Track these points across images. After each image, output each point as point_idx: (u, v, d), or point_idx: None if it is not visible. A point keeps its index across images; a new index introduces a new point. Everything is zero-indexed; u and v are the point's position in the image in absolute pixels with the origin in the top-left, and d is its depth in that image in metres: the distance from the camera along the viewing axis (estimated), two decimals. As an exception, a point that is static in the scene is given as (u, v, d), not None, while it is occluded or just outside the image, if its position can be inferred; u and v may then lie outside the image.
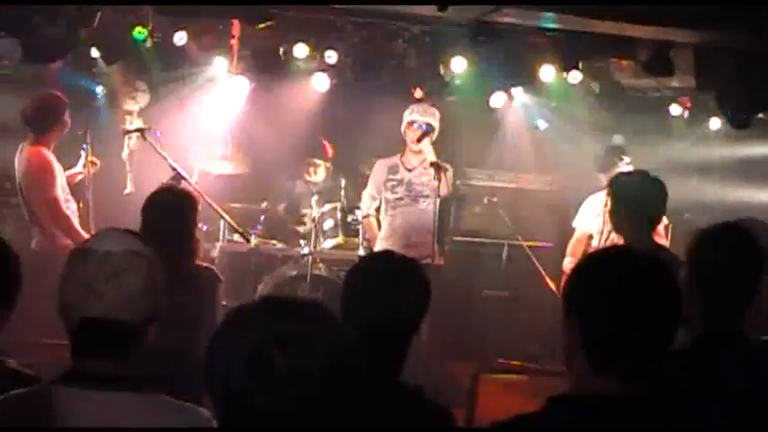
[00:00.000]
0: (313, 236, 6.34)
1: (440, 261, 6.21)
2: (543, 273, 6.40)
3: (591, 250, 5.47)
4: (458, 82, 6.73)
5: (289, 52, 6.48)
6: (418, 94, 6.77)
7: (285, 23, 6.27)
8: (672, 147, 7.58)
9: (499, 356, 6.88)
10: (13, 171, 5.68)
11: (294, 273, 6.37)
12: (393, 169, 6.41)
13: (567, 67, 6.60)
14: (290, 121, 7.28)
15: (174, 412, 1.94)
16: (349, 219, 6.43)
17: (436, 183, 5.86)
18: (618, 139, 6.85)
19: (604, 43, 6.34)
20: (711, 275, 2.48)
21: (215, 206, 5.58)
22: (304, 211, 6.78)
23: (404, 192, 6.32)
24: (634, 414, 1.71)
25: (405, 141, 6.34)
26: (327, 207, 6.47)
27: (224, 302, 4.80)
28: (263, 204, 6.69)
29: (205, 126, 6.75)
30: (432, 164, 5.99)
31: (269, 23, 5.95)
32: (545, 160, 7.63)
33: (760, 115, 6.72)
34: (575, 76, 6.67)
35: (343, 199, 6.44)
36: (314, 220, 6.38)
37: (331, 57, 6.59)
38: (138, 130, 5.67)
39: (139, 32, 5.99)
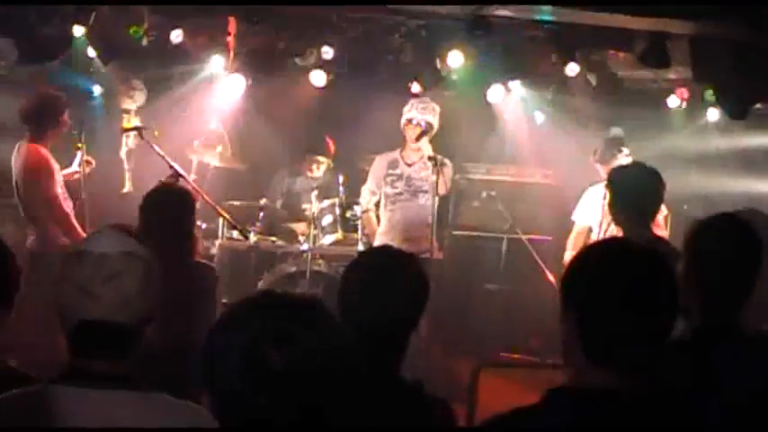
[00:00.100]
0: (312, 232, 6.33)
1: (439, 255, 6.22)
2: (543, 266, 6.39)
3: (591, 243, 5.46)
4: (455, 76, 6.71)
5: (285, 49, 6.46)
6: (415, 88, 6.74)
7: (281, 20, 6.25)
8: (670, 138, 7.56)
9: (499, 351, 6.88)
10: (9, 171, 5.64)
11: (293, 269, 6.36)
12: (393, 164, 6.41)
13: (564, 59, 6.59)
14: (288, 117, 7.28)
15: (174, 411, 1.94)
16: (348, 214, 6.43)
17: (435, 178, 5.86)
18: (617, 131, 6.83)
19: (601, 35, 6.33)
20: (709, 267, 2.47)
21: (213, 204, 5.58)
22: (304, 206, 6.77)
23: (403, 186, 6.33)
24: (632, 407, 1.71)
25: (404, 137, 6.34)
26: (326, 203, 6.46)
27: (224, 300, 4.81)
28: (262, 201, 6.67)
29: (202, 124, 6.74)
30: (429, 158, 5.99)
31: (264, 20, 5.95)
32: (543, 153, 7.62)
33: (757, 106, 6.71)
34: (572, 69, 6.67)
35: (341, 195, 6.43)
36: (313, 215, 6.37)
37: (327, 53, 6.58)
38: (135, 128, 5.67)
39: (135, 31, 5.97)
